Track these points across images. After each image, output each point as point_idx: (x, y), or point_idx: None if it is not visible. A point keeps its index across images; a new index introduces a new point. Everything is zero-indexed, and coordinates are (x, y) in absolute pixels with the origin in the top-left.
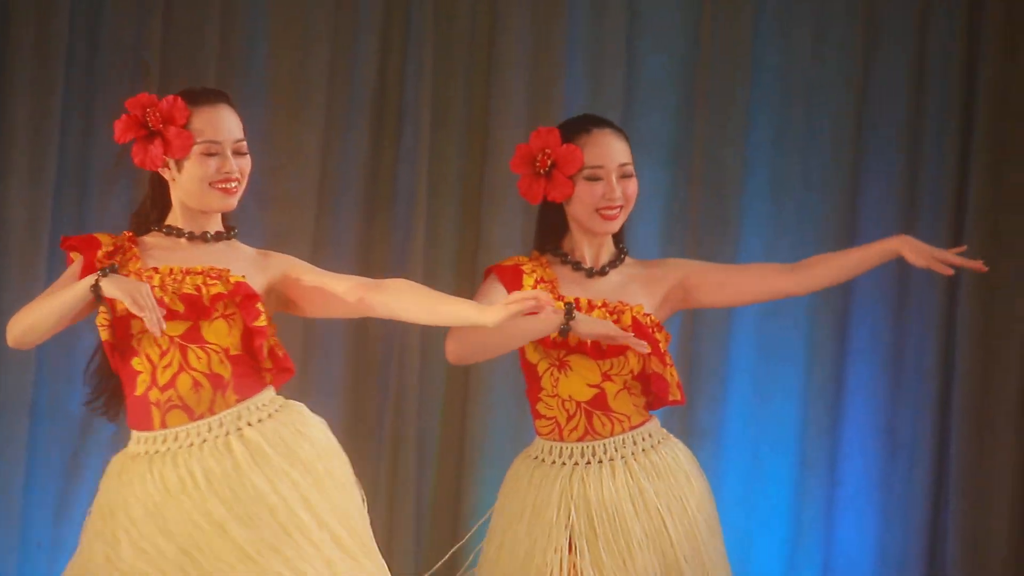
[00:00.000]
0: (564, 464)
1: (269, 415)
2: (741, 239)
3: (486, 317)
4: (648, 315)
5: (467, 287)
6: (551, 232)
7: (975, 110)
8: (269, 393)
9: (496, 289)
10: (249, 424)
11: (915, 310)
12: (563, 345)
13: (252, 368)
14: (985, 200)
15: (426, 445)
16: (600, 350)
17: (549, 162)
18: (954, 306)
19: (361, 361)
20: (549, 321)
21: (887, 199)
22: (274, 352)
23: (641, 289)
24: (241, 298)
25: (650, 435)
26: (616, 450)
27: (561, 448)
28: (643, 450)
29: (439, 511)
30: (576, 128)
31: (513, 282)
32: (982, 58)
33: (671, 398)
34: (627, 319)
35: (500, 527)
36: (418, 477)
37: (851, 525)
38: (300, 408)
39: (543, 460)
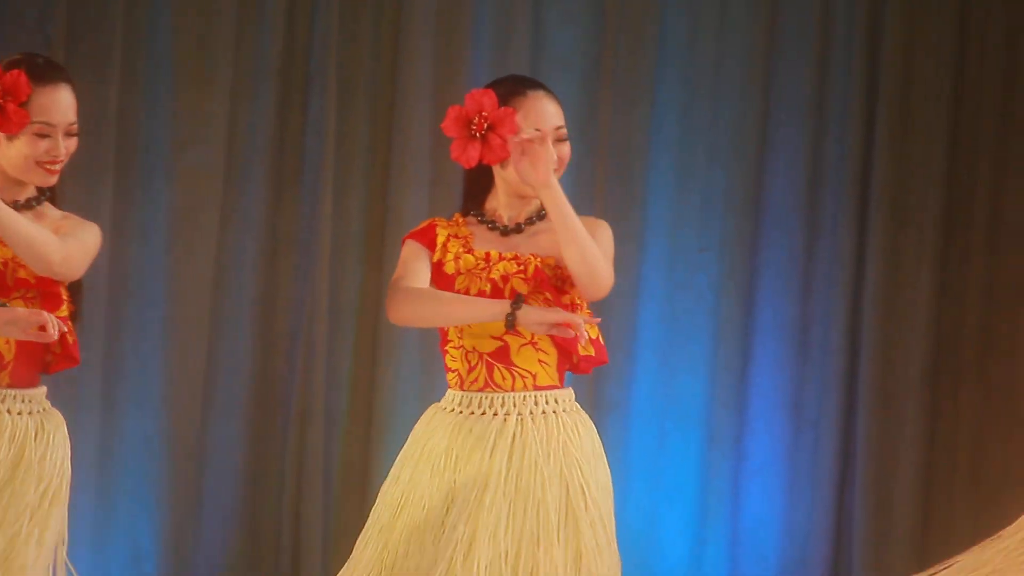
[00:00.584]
0: (461, 412)
1: (29, 412)
2: (647, 213)
3: None
4: (559, 267)
5: (374, 258)
6: (479, 194)
7: (878, 85)
8: (41, 391)
9: (416, 252)
10: (8, 412)
11: (821, 286)
12: (467, 294)
13: (37, 360)
14: (889, 175)
15: (334, 419)
16: (500, 298)
17: (486, 125)
18: (860, 281)
19: (268, 335)
20: (497, 310)
21: (792, 174)
22: (64, 339)
23: (553, 242)
24: (43, 289)
25: (556, 400)
26: (514, 405)
27: (462, 397)
28: (543, 412)
29: (347, 485)
30: (511, 90)
31: (429, 239)
32: (885, 33)
33: (582, 352)
34: (531, 269)
35: (395, 469)
36: (326, 451)
37: (757, 500)
38: (55, 421)
39: (445, 408)
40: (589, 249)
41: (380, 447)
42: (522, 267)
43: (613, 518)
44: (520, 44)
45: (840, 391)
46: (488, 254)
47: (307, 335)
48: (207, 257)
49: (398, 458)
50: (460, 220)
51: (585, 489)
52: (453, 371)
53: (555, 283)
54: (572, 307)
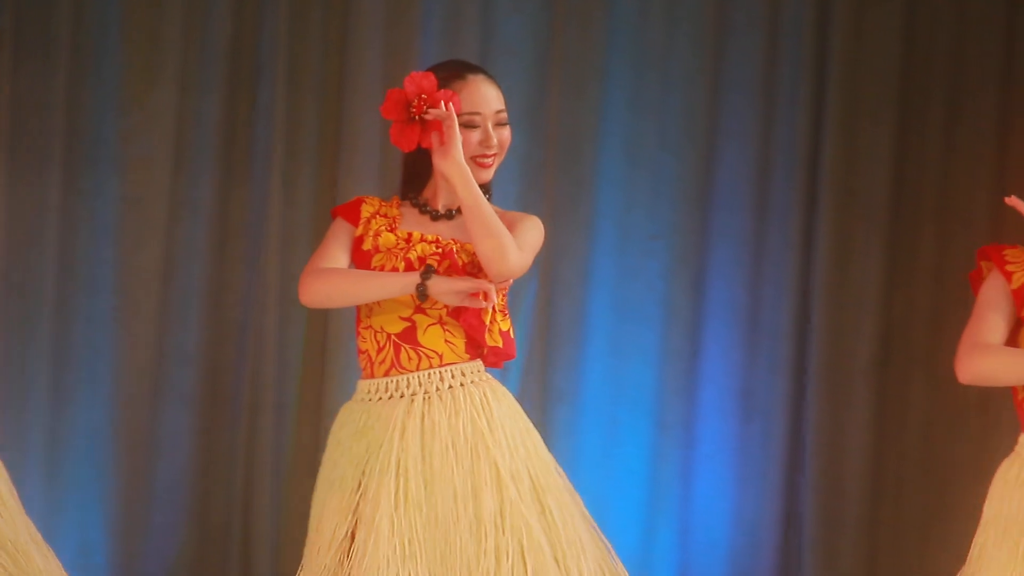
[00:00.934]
0: (370, 400)
1: None
2: (596, 200)
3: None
4: (475, 255)
5: None
6: (416, 179)
7: (827, 70)
8: None
9: (336, 232)
10: None
11: (770, 272)
12: (382, 271)
13: None
14: (838, 160)
15: (284, 409)
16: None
17: (425, 107)
18: (809, 267)
19: (217, 325)
20: (408, 281)
21: (741, 160)
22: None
23: None
24: None
25: (463, 373)
26: (420, 384)
27: (370, 385)
28: (449, 387)
29: (297, 475)
30: (450, 74)
31: (353, 215)
32: (833, 20)
33: (490, 342)
34: (447, 252)
35: (320, 474)
36: (276, 441)
37: (708, 486)
38: None
39: (358, 399)
40: (494, 225)
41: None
42: (440, 250)
43: (550, 470)
44: (469, 33)
45: (790, 377)
46: (410, 235)
47: (257, 325)
48: (156, 247)
49: (321, 463)
50: (396, 202)
51: (500, 456)
52: (363, 352)
53: (468, 269)
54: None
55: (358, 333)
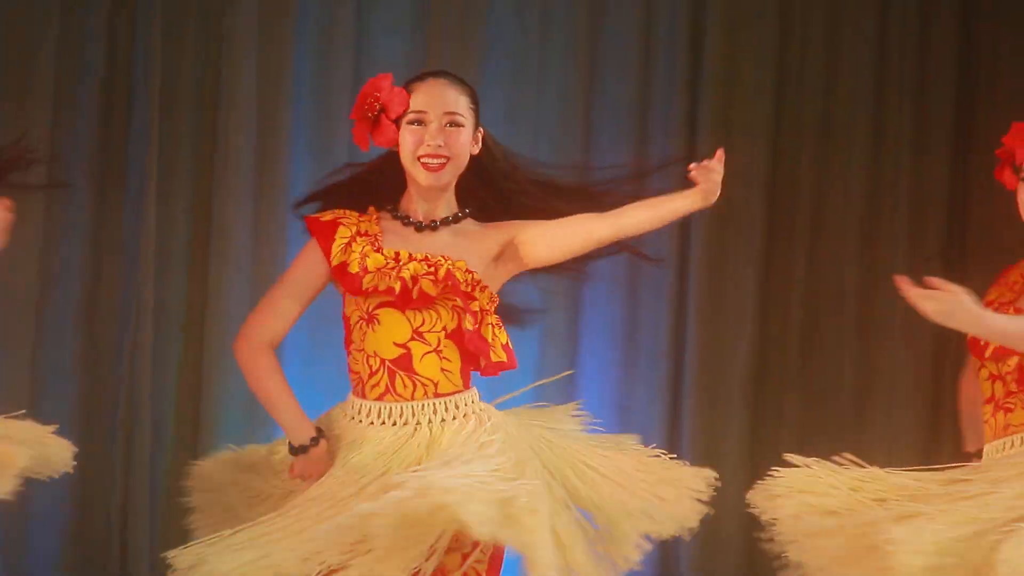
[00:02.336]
0: (360, 422)
1: None
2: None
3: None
4: (470, 272)
5: (199, 267)
6: (391, 189)
7: (700, 89)
8: None
9: (305, 268)
10: None
11: (647, 288)
12: (372, 293)
13: None
14: None
15: (161, 427)
16: (408, 300)
17: (377, 106)
18: (685, 283)
19: (94, 344)
20: (297, 433)
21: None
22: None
23: (471, 246)
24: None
25: (456, 406)
26: (413, 415)
27: (361, 405)
28: (442, 420)
29: (174, 493)
30: (415, 76)
31: (326, 237)
32: (707, 37)
33: (495, 358)
34: (441, 272)
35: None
36: (152, 461)
37: None
38: None
39: (345, 414)
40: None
41: (206, 455)
42: (432, 268)
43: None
44: (343, 51)
45: (667, 393)
46: (398, 254)
47: (132, 344)
48: (32, 266)
49: None
50: (373, 215)
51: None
52: (355, 374)
53: (466, 288)
54: (482, 313)
55: (349, 353)
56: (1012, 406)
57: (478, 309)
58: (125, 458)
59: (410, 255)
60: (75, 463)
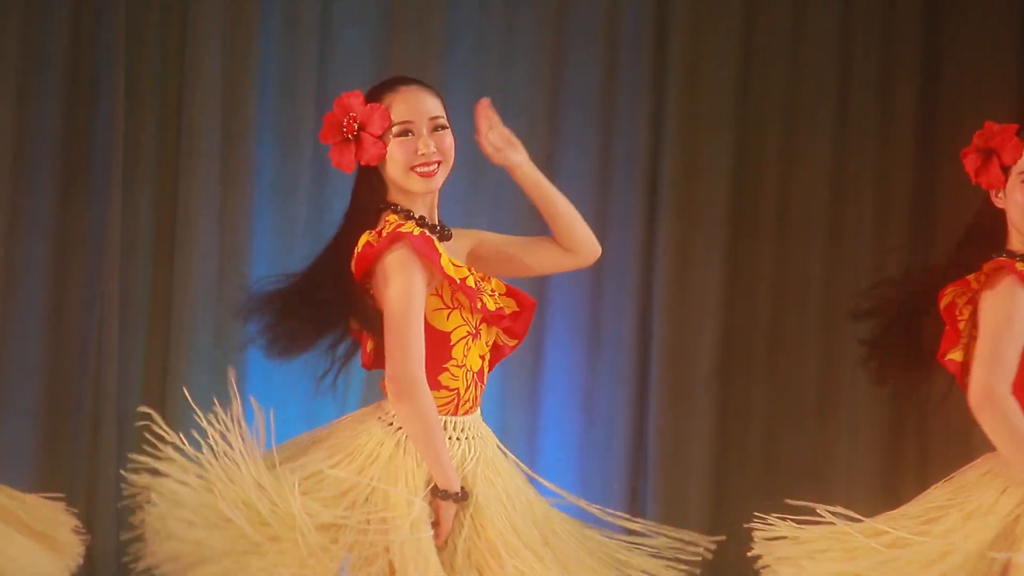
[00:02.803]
0: (468, 439)
1: None
2: (440, 206)
3: None
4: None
5: (164, 259)
6: (370, 203)
7: (666, 83)
8: None
9: (420, 289)
10: None
11: (612, 283)
12: (493, 316)
13: None
14: (677, 172)
15: (126, 420)
16: (502, 317)
17: (356, 125)
18: (650, 278)
19: (59, 337)
20: (446, 480)
21: (581, 172)
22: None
23: (460, 251)
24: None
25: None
26: (471, 428)
27: (456, 422)
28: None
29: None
30: (381, 88)
31: (433, 251)
32: (672, 32)
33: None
34: (500, 287)
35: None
36: (118, 457)
37: (551, 495)
38: None
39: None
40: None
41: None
42: (488, 282)
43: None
44: (308, 40)
45: (632, 386)
46: (470, 268)
47: (98, 337)
48: None
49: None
50: (412, 223)
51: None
52: (451, 391)
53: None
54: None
55: (445, 370)
56: None
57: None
58: (91, 452)
59: (469, 269)
60: (41, 457)
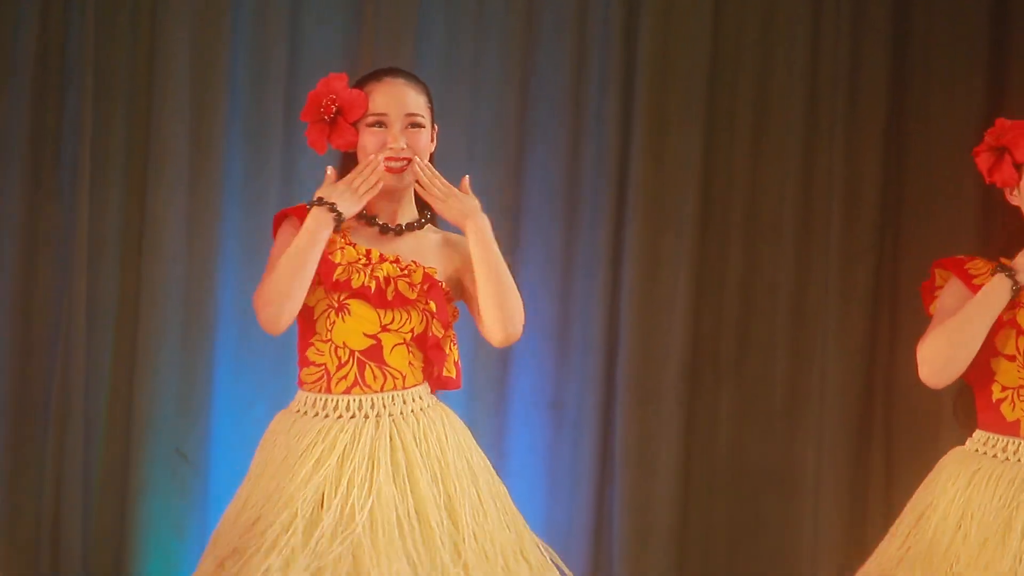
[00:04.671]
0: (327, 416)
1: None
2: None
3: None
4: (440, 281)
5: (132, 258)
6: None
7: (635, 83)
8: None
9: (291, 231)
10: None
11: (580, 285)
12: (345, 287)
13: None
14: (646, 174)
15: (93, 421)
16: (384, 299)
17: (334, 108)
18: (618, 280)
19: (25, 336)
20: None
21: (550, 173)
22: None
23: (436, 255)
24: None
25: (421, 397)
26: (384, 406)
27: (326, 400)
28: (412, 411)
29: (107, 488)
30: (369, 76)
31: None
32: (640, 32)
33: (445, 373)
34: (418, 277)
35: (249, 480)
36: (85, 453)
37: (518, 499)
38: None
39: (304, 413)
40: (509, 289)
41: (139, 450)
42: (405, 272)
43: (501, 495)
44: (277, 41)
45: (599, 389)
46: (369, 251)
47: (65, 336)
48: None
49: (251, 470)
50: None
51: (458, 482)
52: (318, 366)
53: (445, 293)
54: (448, 325)
55: (310, 345)
56: None
57: (452, 314)
58: (57, 452)
59: (381, 255)
60: (7, 457)
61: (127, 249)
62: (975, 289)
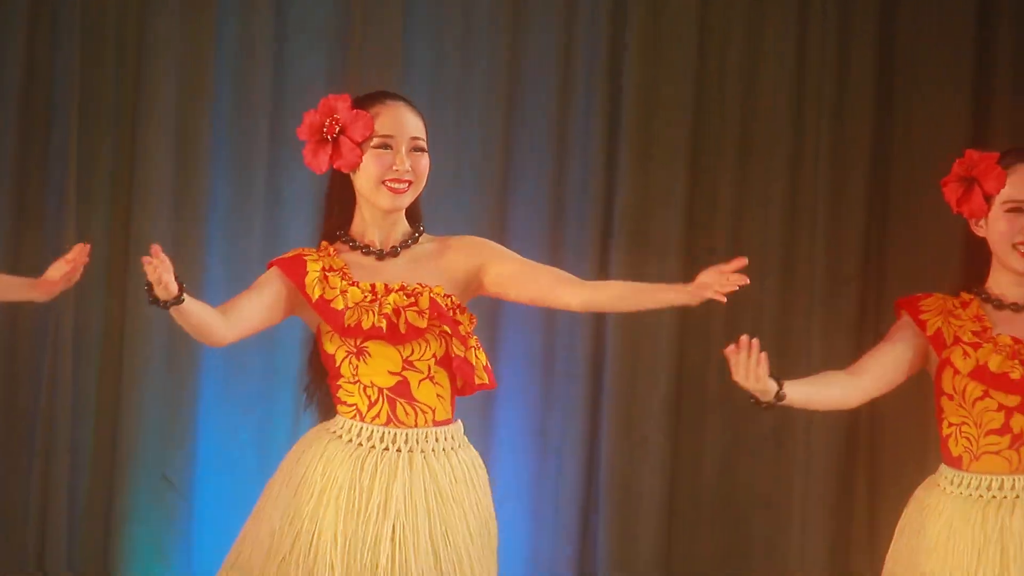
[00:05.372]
0: (361, 444)
1: None
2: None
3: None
4: (448, 296)
5: (118, 288)
6: (342, 215)
7: (621, 110)
8: None
9: (266, 281)
10: None
11: (565, 312)
12: (358, 332)
13: None
14: (632, 199)
15: (79, 451)
16: (398, 335)
17: (337, 128)
18: None
19: (11, 366)
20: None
21: (535, 199)
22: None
23: (438, 267)
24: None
25: (452, 436)
26: (417, 442)
27: (362, 428)
28: (444, 450)
29: (92, 519)
30: (369, 98)
31: (296, 273)
32: (627, 58)
33: (478, 381)
34: (424, 301)
35: (274, 490)
36: (71, 481)
37: (503, 525)
38: None
39: (340, 436)
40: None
41: (124, 480)
42: (413, 298)
43: (494, 554)
44: (262, 70)
45: (584, 417)
46: (374, 286)
47: (51, 363)
48: None
49: (282, 480)
50: (329, 249)
51: (472, 527)
52: (350, 406)
53: (451, 314)
54: (467, 336)
55: (339, 387)
56: None
57: (465, 334)
58: (43, 483)
59: (386, 286)
60: None
61: (112, 278)
62: (922, 325)
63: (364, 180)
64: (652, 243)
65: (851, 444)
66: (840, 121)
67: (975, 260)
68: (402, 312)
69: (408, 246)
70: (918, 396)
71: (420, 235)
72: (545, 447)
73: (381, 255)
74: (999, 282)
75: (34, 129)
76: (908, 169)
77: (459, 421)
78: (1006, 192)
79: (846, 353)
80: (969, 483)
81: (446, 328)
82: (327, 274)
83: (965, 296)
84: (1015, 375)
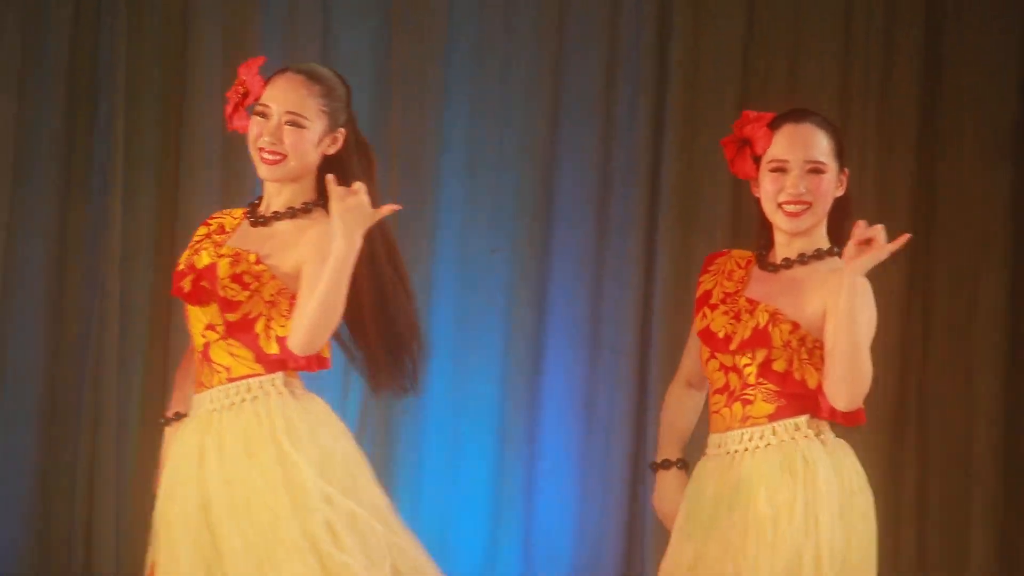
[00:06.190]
0: (193, 417)
1: None
2: (438, 214)
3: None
4: (260, 263)
5: (165, 263)
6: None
7: (667, 87)
8: None
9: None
10: None
11: (611, 287)
12: (178, 292)
13: None
14: (678, 176)
15: (126, 424)
16: (199, 296)
17: (242, 90)
18: (650, 282)
19: (58, 341)
20: None
21: (582, 175)
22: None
23: (300, 240)
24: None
25: (248, 390)
26: (212, 401)
27: (194, 399)
28: (242, 400)
29: (140, 492)
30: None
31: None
32: (673, 36)
33: (268, 351)
34: (224, 269)
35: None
36: (118, 457)
37: (551, 500)
38: None
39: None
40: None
41: None
42: (208, 267)
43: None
44: (309, 45)
45: (631, 391)
46: (225, 252)
47: (98, 341)
48: None
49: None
50: (242, 213)
51: (284, 465)
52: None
53: (226, 285)
54: (266, 305)
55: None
56: (751, 398)
57: (244, 301)
58: (90, 456)
59: (219, 253)
60: (40, 461)
61: (160, 252)
62: (697, 285)
63: (248, 143)
64: (699, 218)
65: (900, 422)
66: (888, 86)
67: (757, 222)
68: (203, 277)
69: (285, 216)
70: None
71: (314, 207)
72: (592, 420)
73: (254, 222)
74: (777, 242)
75: (80, 103)
76: (955, 160)
77: (276, 374)
78: (770, 151)
79: (895, 322)
80: (710, 444)
81: (241, 296)
82: (205, 239)
83: (750, 255)
84: (721, 334)
